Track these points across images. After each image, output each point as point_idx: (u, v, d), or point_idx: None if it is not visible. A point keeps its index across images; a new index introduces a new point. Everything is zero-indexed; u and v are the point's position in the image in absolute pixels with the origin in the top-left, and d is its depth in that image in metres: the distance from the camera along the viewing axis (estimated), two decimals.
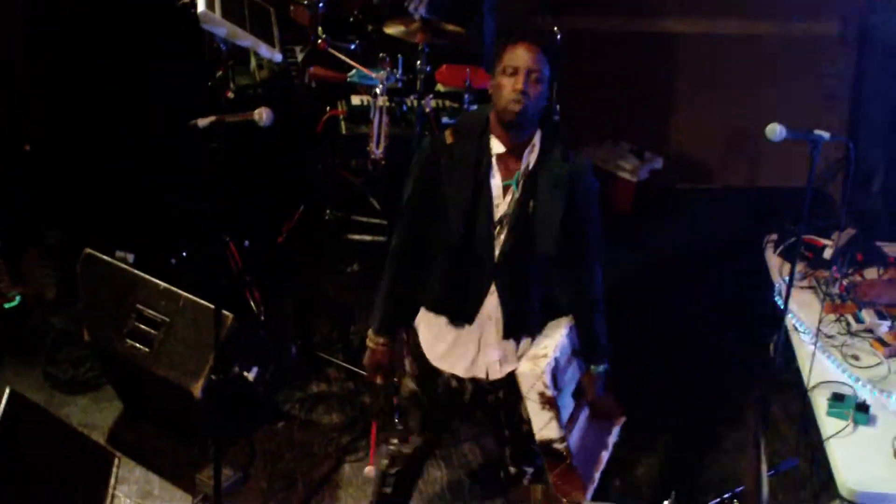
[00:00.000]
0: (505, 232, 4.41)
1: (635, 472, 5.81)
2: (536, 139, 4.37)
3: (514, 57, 4.24)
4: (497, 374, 4.65)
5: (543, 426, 4.56)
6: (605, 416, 5.01)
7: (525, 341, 4.62)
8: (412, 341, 4.81)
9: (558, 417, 4.53)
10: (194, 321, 5.59)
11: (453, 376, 4.69)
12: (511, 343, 4.60)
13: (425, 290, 4.64)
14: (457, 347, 4.64)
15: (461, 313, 4.57)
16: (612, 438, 5.05)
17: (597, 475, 4.89)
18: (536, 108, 4.28)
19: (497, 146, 4.37)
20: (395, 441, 4.92)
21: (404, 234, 4.64)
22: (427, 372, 4.74)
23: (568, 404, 4.68)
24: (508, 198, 4.39)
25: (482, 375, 4.66)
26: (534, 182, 4.37)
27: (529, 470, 4.83)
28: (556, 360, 4.52)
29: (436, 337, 4.70)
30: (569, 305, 4.68)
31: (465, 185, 4.38)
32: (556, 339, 4.59)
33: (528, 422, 4.59)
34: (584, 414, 4.86)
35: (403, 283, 4.69)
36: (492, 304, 4.52)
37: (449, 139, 4.45)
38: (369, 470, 5.41)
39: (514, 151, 4.37)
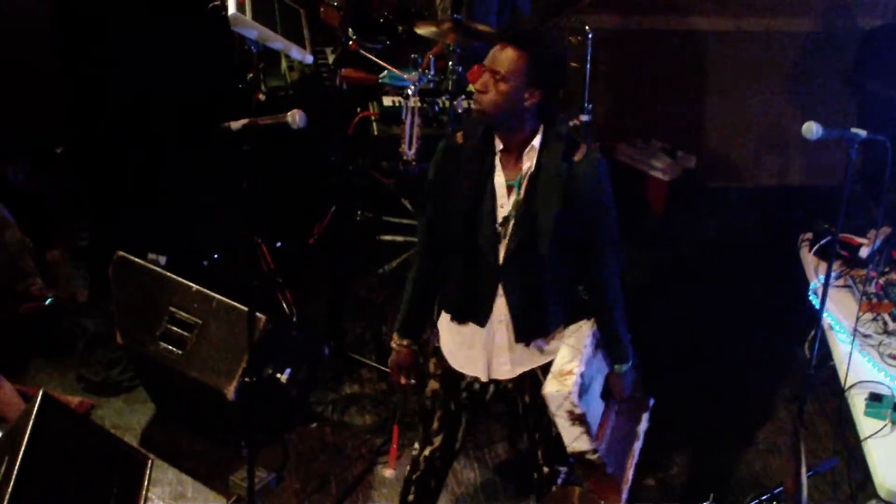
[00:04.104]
0: (509, 233, 4.40)
1: (670, 472, 5.78)
2: (536, 141, 4.34)
3: (488, 57, 4.26)
4: (509, 374, 4.65)
5: (574, 440, 4.53)
6: (633, 405, 5.00)
7: (539, 342, 4.60)
8: (436, 342, 4.82)
9: (589, 431, 4.51)
10: (227, 323, 5.60)
11: (476, 378, 4.69)
12: (523, 345, 4.59)
13: (443, 293, 4.68)
14: (470, 350, 4.66)
15: (474, 316, 4.58)
16: (643, 426, 5.04)
17: (631, 472, 4.88)
18: (505, 108, 4.24)
19: (499, 143, 4.37)
20: (417, 446, 4.91)
21: (424, 238, 4.67)
22: (450, 372, 4.75)
23: (596, 406, 4.67)
24: (512, 198, 4.38)
25: (495, 377, 4.67)
26: (534, 184, 4.35)
27: (563, 469, 4.81)
28: (582, 372, 4.49)
29: (452, 339, 4.72)
30: (589, 305, 4.66)
31: (468, 182, 4.40)
32: (580, 349, 4.55)
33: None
34: (613, 411, 4.84)
35: (425, 286, 4.72)
36: (502, 305, 4.52)
37: (459, 140, 4.45)
38: (390, 473, 5.39)
39: (514, 151, 4.37)
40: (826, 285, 4.81)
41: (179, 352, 5.66)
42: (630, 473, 4.89)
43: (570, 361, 4.50)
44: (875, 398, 5.05)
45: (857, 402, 5.10)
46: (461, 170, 4.41)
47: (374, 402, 6.26)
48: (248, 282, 5.38)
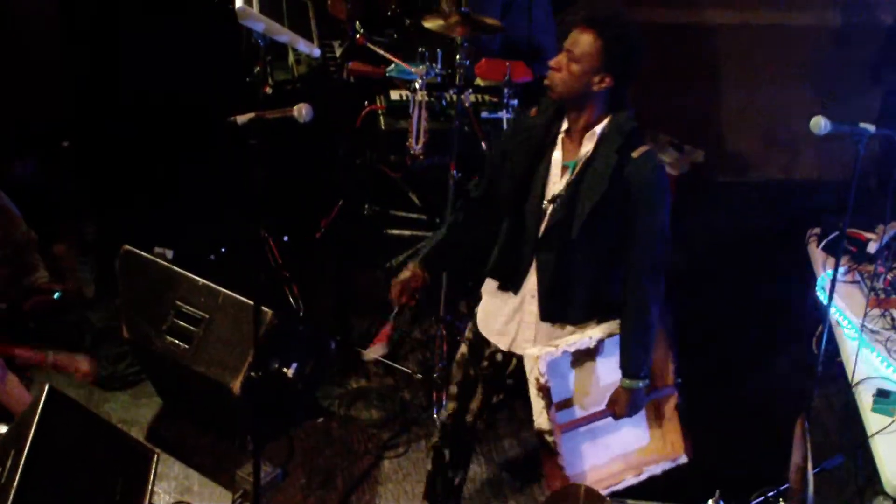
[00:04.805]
0: (553, 210, 4.46)
1: (676, 468, 5.75)
2: (599, 128, 4.41)
3: (567, 38, 4.36)
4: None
5: (538, 414, 4.57)
6: (660, 448, 5.01)
7: (566, 331, 4.63)
8: (476, 308, 4.90)
9: (549, 408, 4.53)
10: (234, 317, 5.59)
11: (500, 349, 4.77)
12: (548, 327, 4.63)
13: (489, 256, 4.75)
14: (499, 318, 4.73)
15: (510, 283, 4.65)
16: (655, 469, 5.02)
17: (603, 491, 4.80)
18: (573, 88, 4.34)
19: (565, 123, 4.47)
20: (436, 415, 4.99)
21: (481, 190, 4.76)
22: (478, 338, 4.84)
23: (579, 405, 4.74)
24: (565, 178, 4.45)
25: (516, 350, 4.72)
26: (587, 169, 4.40)
27: None
28: (567, 351, 4.54)
29: (489, 304, 4.80)
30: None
31: (529, 153, 4.50)
32: (586, 337, 4.58)
33: None
34: (610, 424, 4.84)
35: (461, 230, 4.80)
36: (533, 281, 4.58)
37: (532, 113, 4.58)
38: (369, 351, 5.20)
39: (577, 134, 4.45)
40: (834, 280, 4.80)
41: (186, 346, 5.65)
42: (602, 491, 4.83)
43: (566, 340, 4.56)
44: (882, 394, 5.05)
45: (865, 398, 5.10)
46: (526, 140, 4.52)
47: (380, 396, 6.25)
48: (254, 276, 5.38)
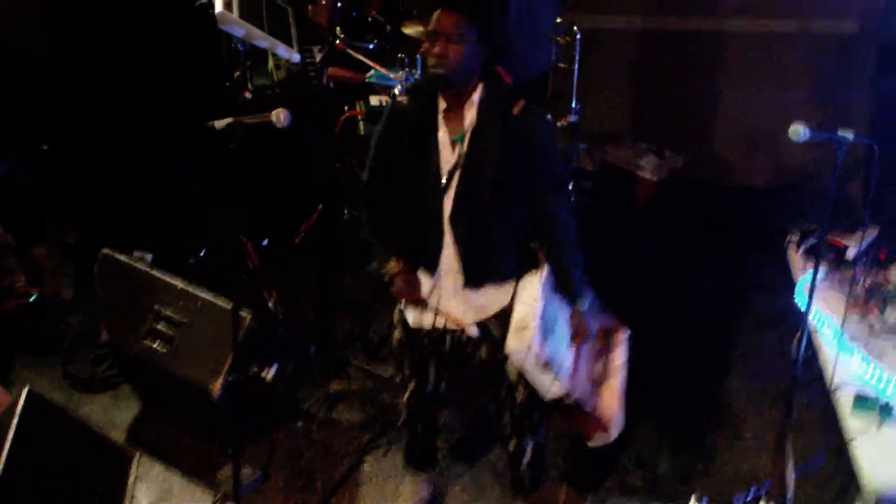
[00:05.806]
0: (454, 185, 4.59)
1: (658, 469, 5.76)
2: (476, 96, 4.56)
3: (434, 22, 4.46)
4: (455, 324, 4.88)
5: (548, 388, 4.69)
6: (604, 341, 5.10)
7: (488, 293, 4.78)
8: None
9: (559, 376, 4.66)
10: (212, 321, 5.59)
11: (434, 326, 4.91)
12: (473, 293, 4.78)
13: (395, 248, 4.88)
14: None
15: (425, 265, 4.80)
16: (622, 359, 5.15)
17: (618, 407, 5.01)
18: (463, 67, 4.46)
19: (442, 103, 4.60)
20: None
21: (368, 178, 4.88)
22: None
23: (564, 349, 4.80)
24: (457, 151, 4.58)
25: (441, 325, 4.89)
26: (476, 137, 4.54)
27: (531, 442, 5.02)
28: (539, 324, 4.62)
29: None
30: (546, 255, 4.81)
31: (415, 141, 4.63)
32: (533, 305, 4.68)
33: (521, 388, 4.81)
34: (585, 351, 4.95)
35: (380, 223, 4.94)
36: (449, 255, 4.72)
37: (406, 103, 4.70)
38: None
39: (456, 108, 4.58)
40: (812, 286, 4.82)
41: (165, 350, 5.65)
42: (616, 408, 5.01)
43: (525, 317, 4.65)
44: (861, 399, 5.06)
45: (844, 403, 5.10)
46: (407, 128, 4.65)
47: (360, 399, 6.25)
48: (233, 280, 5.38)
